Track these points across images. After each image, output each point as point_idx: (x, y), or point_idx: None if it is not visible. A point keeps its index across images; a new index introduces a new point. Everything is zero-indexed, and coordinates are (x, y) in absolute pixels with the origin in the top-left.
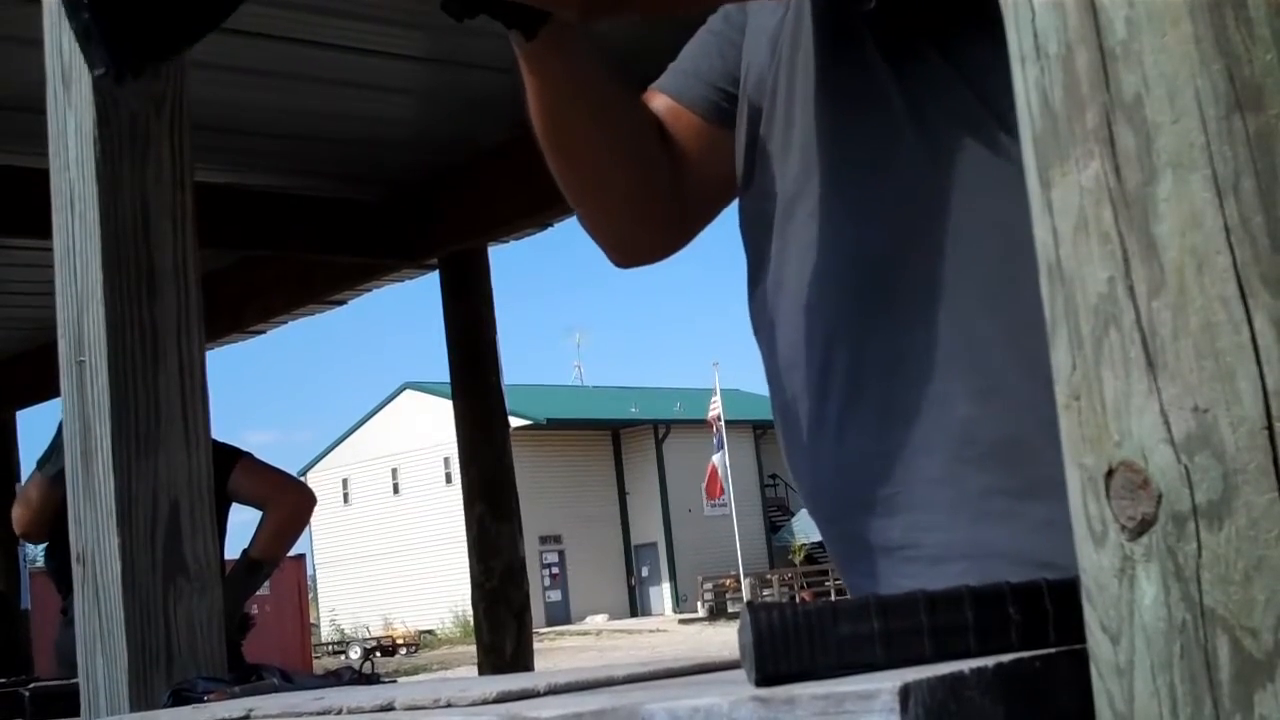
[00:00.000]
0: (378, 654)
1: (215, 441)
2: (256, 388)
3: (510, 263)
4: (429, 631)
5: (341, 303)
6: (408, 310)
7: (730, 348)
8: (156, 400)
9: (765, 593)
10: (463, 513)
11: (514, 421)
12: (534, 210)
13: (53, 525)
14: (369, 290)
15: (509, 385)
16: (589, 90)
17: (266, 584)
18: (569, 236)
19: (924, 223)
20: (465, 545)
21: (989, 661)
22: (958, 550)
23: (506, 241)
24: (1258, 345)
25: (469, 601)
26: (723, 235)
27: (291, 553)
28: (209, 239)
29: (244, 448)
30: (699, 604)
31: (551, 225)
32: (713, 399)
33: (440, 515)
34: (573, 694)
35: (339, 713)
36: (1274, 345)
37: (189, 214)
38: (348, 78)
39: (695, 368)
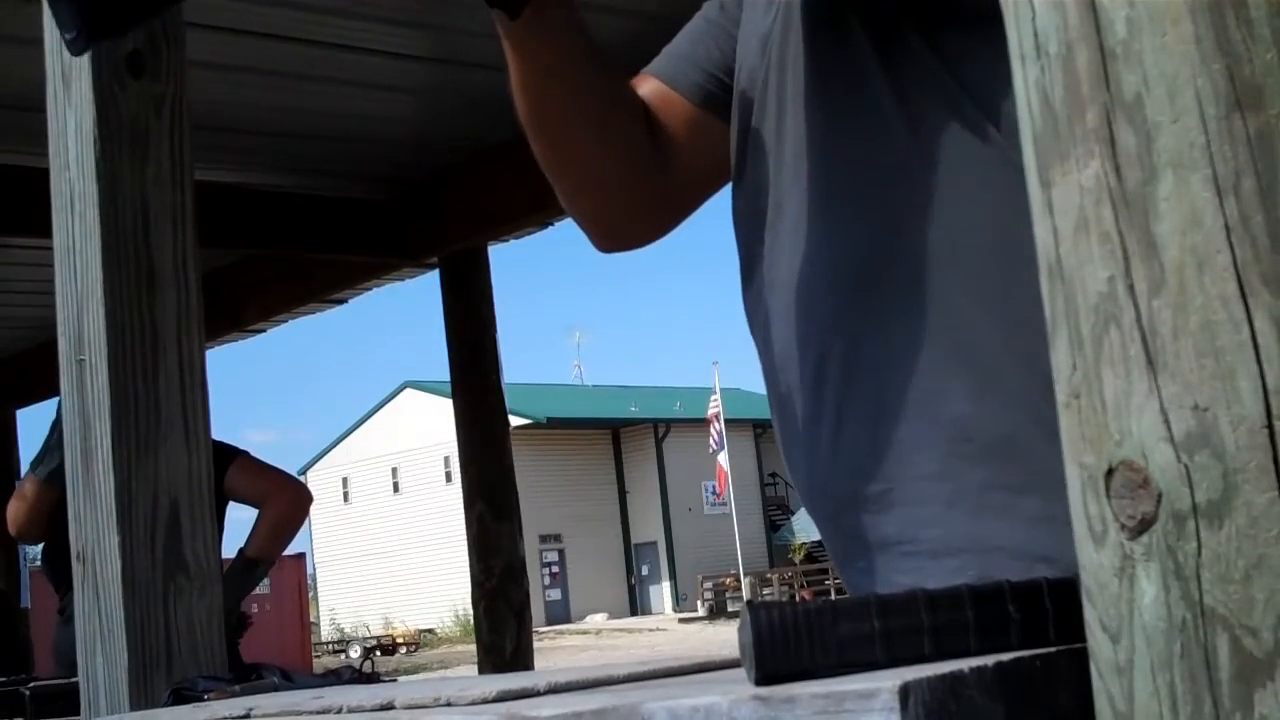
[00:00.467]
0: (378, 653)
1: (212, 440)
2: (256, 388)
3: (510, 262)
4: (429, 631)
5: (341, 302)
6: (408, 310)
7: (730, 347)
8: (156, 400)
9: (765, 592)
10: (463, 512)
11: (514, 421)
12: (534, 209)
13: (48, 525)
14: (369, 289)
15: (509, 384)
16: (572, 70)
17: (266, 583)
18: (569, 236)
19: (914, 216)
20: (465, 544)
21: (989, 660)
22: (956, 545)
23: (506, 241)
24: (1258, 344)
25: (469, 600)
26: (724, 235)
27: (291, 551)
28: (209, 239)
29: (243, 447)
30: (699, 603)
31: (552, 224)
32: (713, 398)
33: (440, 514)
34: (573, 693)
35: (339, 711)
36: (1274, 344)
37: (189, 214)
38: (348, 77)
39: (695, 367)
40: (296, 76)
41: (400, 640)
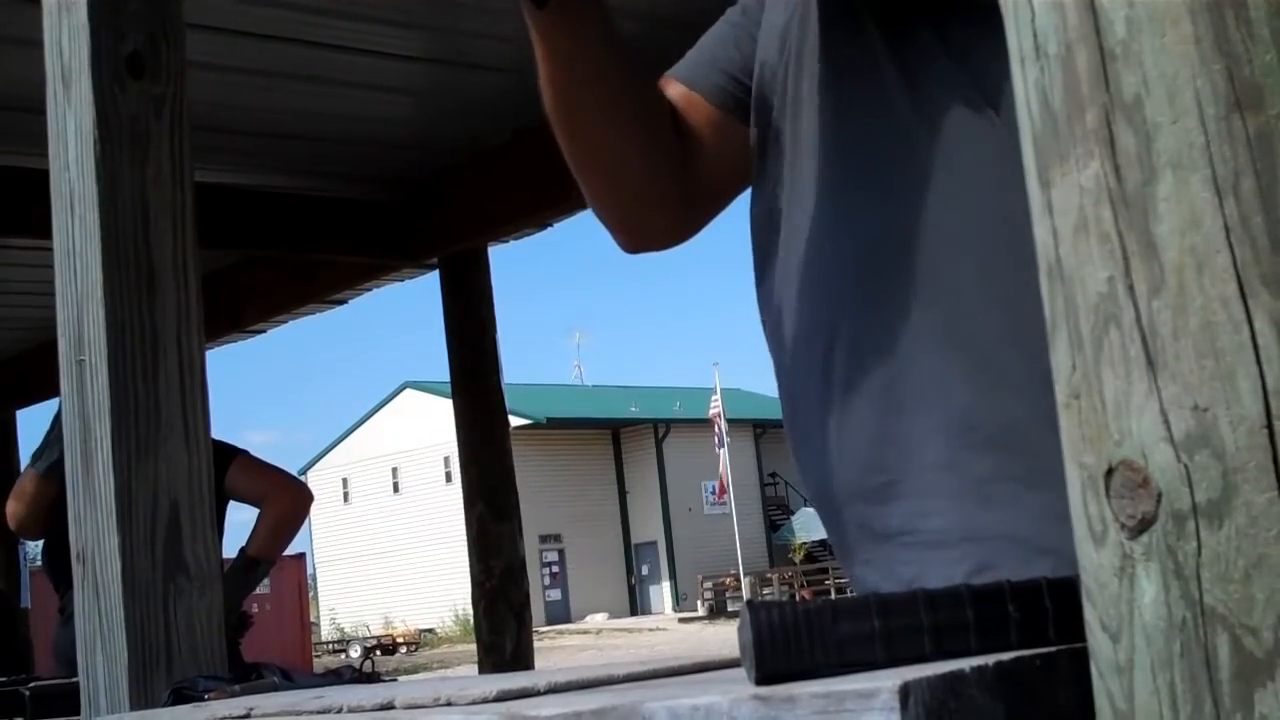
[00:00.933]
0: (378, 653)
1: (212, 439)
2: (256, 388)
3: (510, 262)
4: (429, 630)
5: (342, 302)
6: (408, 310)
7: (730, 347)
8: (156, 400)
9: (765, 591)
10: (463, 512)
11: (514, 421)
12: (534, 210)
13: (48, 521)
14: (369, 290)
15: (509, 384)
16: (600, 63)
17: (266, 583)
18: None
19: (922, 205)
20: (465, 544)
21: (989, 660)
22: (958, 534)
23: (506, 241)
24: (1257, 345)
25: (469, 600)
26: (725, 234)
27: (292, 551)
28: (209, 239)
29: (243, 447)
30: (699, 603)
31: (551, 225)
32: (713, 398)
33: (440, 514)
34: (573, 692)
35: (339, 711)
36: (1274, 345)
37: (189, 214)
38: (348, 78)
39: (695, 367)
40: (297, 78)
41: (400, 640)
